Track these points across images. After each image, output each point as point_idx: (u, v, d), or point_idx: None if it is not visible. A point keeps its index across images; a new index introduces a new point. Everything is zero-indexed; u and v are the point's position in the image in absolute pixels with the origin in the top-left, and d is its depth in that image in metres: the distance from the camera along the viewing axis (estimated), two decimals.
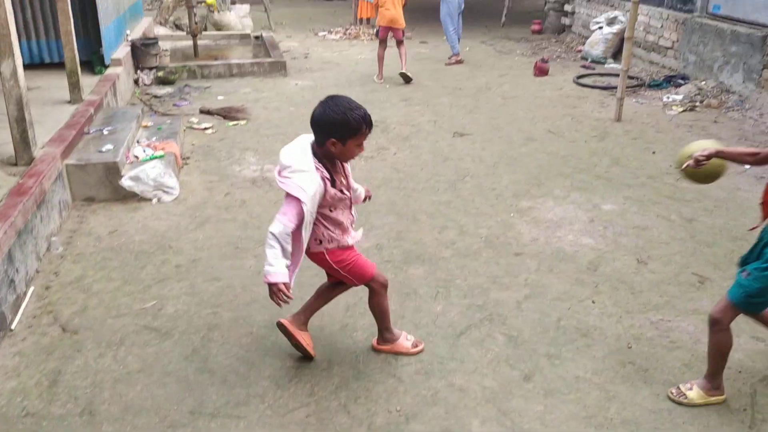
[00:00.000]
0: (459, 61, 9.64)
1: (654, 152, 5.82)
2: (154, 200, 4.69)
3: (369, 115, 2.61)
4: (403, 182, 5.13)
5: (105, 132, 5.23)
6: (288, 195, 2.57)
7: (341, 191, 2.70)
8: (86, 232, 4.24)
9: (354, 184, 2.89)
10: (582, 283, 3.66)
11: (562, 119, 6.86)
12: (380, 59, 8.67)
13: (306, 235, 2.63)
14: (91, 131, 5.24)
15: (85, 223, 4.38)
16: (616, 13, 9.73)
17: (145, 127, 5.93)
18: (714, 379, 2.72)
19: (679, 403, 2.72)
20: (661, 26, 8.76)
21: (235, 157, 5.64)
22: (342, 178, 2.75)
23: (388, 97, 7.79)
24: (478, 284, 3.63)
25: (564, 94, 7.94)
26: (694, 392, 2.72)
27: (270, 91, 7.99)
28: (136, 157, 5.07)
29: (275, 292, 2.58)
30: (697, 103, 7.23)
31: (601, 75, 8.83)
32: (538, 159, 5.67)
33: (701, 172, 2.69)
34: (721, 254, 3.97)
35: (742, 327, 3.18)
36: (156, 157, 5.05)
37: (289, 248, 2.61)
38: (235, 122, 6.64)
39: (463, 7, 9.74)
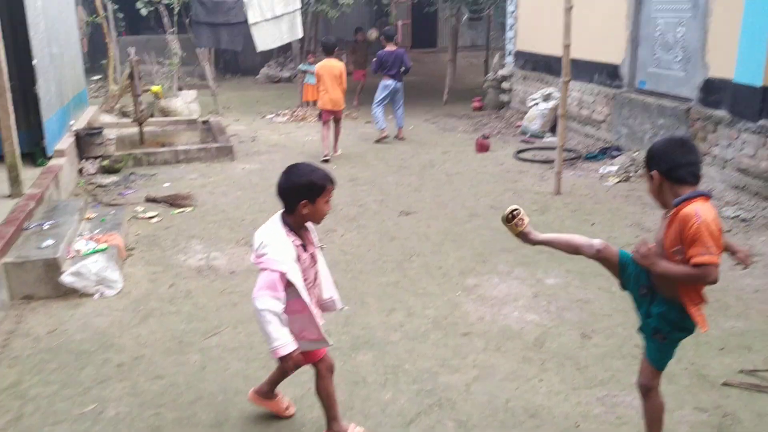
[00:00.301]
0: (385, 137, 9.94)
1: (593, 224, 6.01)
2: (96, 295, 4.60)
3: (330, 173, 2.79)
4: (351, 264, 5.16)
5: (45, 226, 5.15)
6: (266, 270, 2.60)
7: (312, 256, 2.83)
8: (24, 333, 4.10)
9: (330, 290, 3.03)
10: (529, 361, 3.69)
11: (504, 194, 7.05)
12: (324, 139, 8.93)
13: (306, 297, 2.67)
14: (31, 226, 5.15)
15: (24, 322, 4.25)
16: (551, 89, 10.20)
17: (89, 219, 5.86)
18: None
19: None
20: (593, 101, 9.21)
21: (180, 246, 5.60)
22: (311, 244, 2.86)
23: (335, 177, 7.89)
24: (426, 368, 3.63)
25: (505, 169, 8.19)
26: None
27: (217, 176, 8.02)
28: (78, 251, 4.98)
29: (290, 362, 2.58)
30: (632, 174, 7.55)
31: (540, 149, 9.17)
32: (482, 235, 5.79)
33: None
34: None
35: (686, 398, 3.25)
36: (99, 251, 4.97)
37: (285, 316, 2.61)
38: (181, 209, 6.62)
39: (396, 93, 10.03)
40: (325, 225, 6.05)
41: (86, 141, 8.11)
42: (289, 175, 2.74)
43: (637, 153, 8.02)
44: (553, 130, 9.91)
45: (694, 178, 2.50)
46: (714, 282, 2.38)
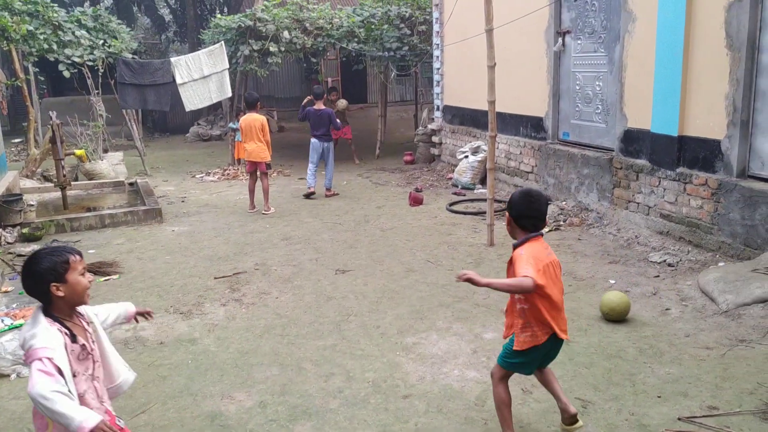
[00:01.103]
0: (311, 193, 10.05)
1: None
2: (13, 376, 4.29)
3: (70, 246, 2.67)
4: (287, 328, 5.02)
5: None
6: (35, 360, 2.34)
7: (83, 347, 2.54)
8: None
9: (104, 315, 2.84)
10: (472, 422, 3.62)
11: (439, 247, 7.08)
12: (250, 191, 9.27)
13: (73, 388, 2.39)
14: None
15: None
16: (479, 142, 10.43)
17: (6, 292, 5.56)
18: None
19: None
20: (520, 153, 9.45)
21: None
22: (83, 333, 2.60)
23: (268, 237, 7.77)
24: None
25: (439, 221, 8.25)
26: None
27: (145, 240, 7.76)
28: None
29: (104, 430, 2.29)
30: (562, 223, 7.73)
31: (472, 201, 9.31)
32: (420, 291, 5.76)
33: None
34: (599, 374, 4.10)
35: None
36: (16, 327, 4.68)
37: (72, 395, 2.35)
38: (106, 277, 6.34)
39: (325, 152, 10.10)
40: (258, 287, 5.94)
41: (4, 208, 7.75)
42: (28, 267, 2.53)
43: (565, 202, 8.23)
44: (483, 181, 10.09)
45: (535, 228, 3.20)
46: (530, 291, 2.97)
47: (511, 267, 3.20)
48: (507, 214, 3.27)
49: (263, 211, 9.01)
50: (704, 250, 6.18)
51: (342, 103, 13.68)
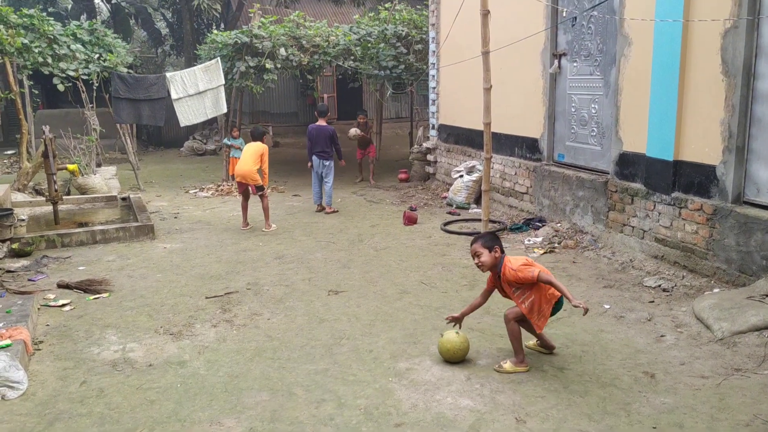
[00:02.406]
0: (322, 208, 10.19)
1: None
2: None
3: None
4: (278, 351, 4.95)
5: None
6: None
7: None
8: None
9: None
10: None
11: (433, 269, 7.03)
12: (243, 209, 9.33)
13: None
14: None
15: None
16: (474, 162, 10.42)
17: None
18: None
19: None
20: (515, 173, 9.44)
21: (94, 337, 5.25)
22: None
23: (261, 255, 7.71)
24: None
25: (433, 242, 8.21)
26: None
27: (136, 257, 7.69)
28: None
29: None
30: (556, 244, 7.70)
31: (466, 221, 9.28)
32: (413, 313, 5.70)
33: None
34: (594, 403, 4.04)
35: None
36: (1, 347, 4.58)
37: None
38: (96, 296, 6.25)
39: (324, 170, 10.13)
40: (250, 308, 5.87)
41: None
42: None
43: (560, 224, 8.21)
44: (477, 201, 10.07)
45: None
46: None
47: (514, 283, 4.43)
48: (497, 249, 4.46)
49: (264, 229, 9.00)
50: (699, 275, 6.16)
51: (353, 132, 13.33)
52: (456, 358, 4.63)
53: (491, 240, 4.52)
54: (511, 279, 4.42)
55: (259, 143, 9.13)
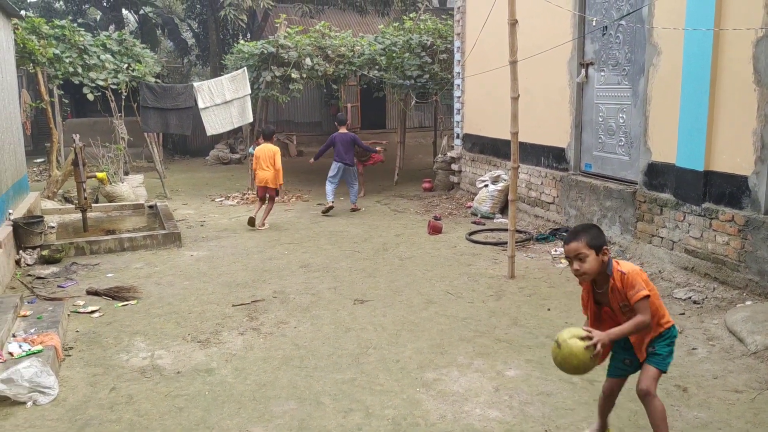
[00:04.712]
0: (330, 208, 10.69)
1: (549, 309, 5.97)
2: (29, 404, 4.25)
3: None
4: (305, 360, 4.95)
5: None
6: None
7: None
8: None
9: None
10: None
11: (459, 278, 6.99)
12: (259, 208, 9.96)
13: None
14: None
15: None
16: (499, 172, 10.37)
17: (24, 316, 5.53)
18: None
19: None
20: (541, 183, 9.38)
21: (123, 344, 5.29)
22: None
23: (287, 264, 7.73)
24: None
25: (458, 251, 8.17)
26: None
27: (163, 264, 7.75)
28: (11, 354, 4.66)
29: None
30: None
31: (492, 230, 9.22)
32: (440, 323, 5.67)
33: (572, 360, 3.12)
34: (625, 417, 3.98)
35: None
36: (33, 353, 4.65)
37: None
38: (124, 303, 6.32)
39: (346, 173, 10.93)
40: (276, 316, 5.89)
41: (25, 230, 7.78)
42: None
43: None
44: (503, 211, 10.01)
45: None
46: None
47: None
48: (605, 251, 3.16)
49: (258, 226, 9.66)
50: (731, 287, 6.05)
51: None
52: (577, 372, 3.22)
53: (598, 236, 3.16)
54: (620, 287, 3.18)
55: (270, 145, 9.83)
